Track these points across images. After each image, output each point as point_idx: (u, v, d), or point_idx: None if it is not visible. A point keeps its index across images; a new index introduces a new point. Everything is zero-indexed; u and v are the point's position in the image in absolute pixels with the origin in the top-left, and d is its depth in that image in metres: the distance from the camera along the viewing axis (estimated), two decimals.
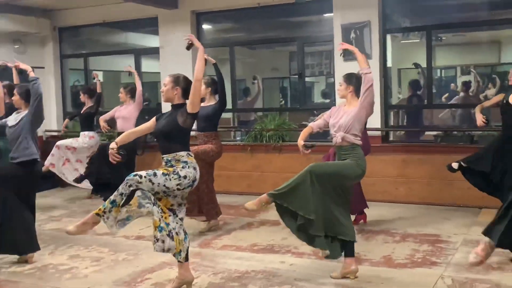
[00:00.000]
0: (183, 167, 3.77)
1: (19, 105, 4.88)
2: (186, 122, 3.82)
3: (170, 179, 3.70)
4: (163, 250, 3.69)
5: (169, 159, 3.82)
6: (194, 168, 3.84)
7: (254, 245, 5.08)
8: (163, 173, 3.71)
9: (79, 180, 7.19)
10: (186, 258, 3.85)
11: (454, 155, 6.29)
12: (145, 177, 3.64)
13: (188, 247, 3.86)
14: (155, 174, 3.68)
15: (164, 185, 3.69)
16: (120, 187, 3.65)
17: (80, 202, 7.55)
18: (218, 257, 4.76)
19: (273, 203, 3.99)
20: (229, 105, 8.35)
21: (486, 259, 3.60)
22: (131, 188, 3.63)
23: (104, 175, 6.66)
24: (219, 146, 5.62)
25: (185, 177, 3.75)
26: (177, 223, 3.80)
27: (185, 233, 3.86)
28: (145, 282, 4.16)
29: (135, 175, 3.65)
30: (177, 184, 3.73)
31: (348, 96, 4.27)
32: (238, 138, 8.33)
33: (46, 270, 4.55)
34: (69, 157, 7.40)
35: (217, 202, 5.69)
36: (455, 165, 5.25)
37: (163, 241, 3.65)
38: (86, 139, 7.42)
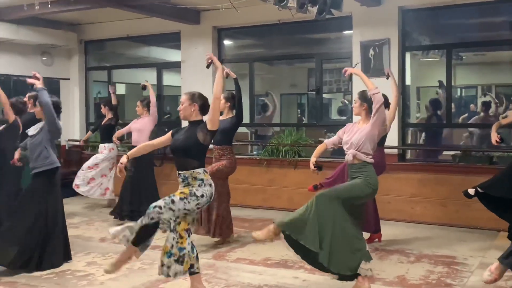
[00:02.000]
0: (199, 185, 3.79)
1: (40, 115, 4.91)
2: (206, 139, 3.87)
3: (189, 202, 3.75)
4: (168, 275, 3.74)
5: (186, 176, 3.81)
6: (210, 185, 3.87)
7: (268, 259, 5.07)
8: (180, 198, 3.74)
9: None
10: (198, 269, 3.87)
11: (472, 175, 6.22)
12: (164, 207, 3.70)
13: (198, 258, 3.88)
14: (173, 201, 3.72)
15: (184, 209, 3.74)
16: (143, 220, 3.73)
17: (99, 210, 7.65)
18: (232, 269, 4.75)
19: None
20: (246, 120, 8.43)
21: (500, 278, 3.52)
22: (153, 220, 3.72)
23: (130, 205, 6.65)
24: (233, 161, 5.62)
25: (202, 196, 3.79)
26: (189, 243, 3.81)
27: (193, 246, 3.86)
28: None
29: (154, 207, 3.72)
30: (196, 204, 3.78)
31: (363, 113, 4.30)
32: (254, 152, 8.35)
33: (64, 276, 4.61)
34: (93, 175, 7.47)
35: (231, 217, 5.71)
36: (471, 191, 5.11)
37: (168, 267, 3.73)
38: (106, 151, 7.52)
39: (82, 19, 8.80)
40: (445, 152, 7.59)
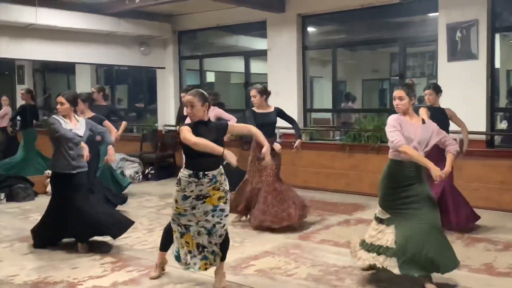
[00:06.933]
0: (225, 179, 3.74)
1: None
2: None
3: (229, 198, 3.77)
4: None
5: (215, 174, 3.66)
6: None
7: (352, 241, 5.05)
8: (224, 202, 3.70)
9: None
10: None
11: None
12: (223, 222, 3.73)
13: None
14: (222, 210, 3.69)
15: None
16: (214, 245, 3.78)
17: None
18: (317, 250, 4.82)
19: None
20: (329, 106, 8.38)
21: None
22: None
23: None
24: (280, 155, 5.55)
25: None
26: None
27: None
28: (249, 268, 4.33)
29: (224, 231, 3.76)
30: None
31: (410, 109, 3.88)
32: (337, 138, 8.29)
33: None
34: None
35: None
36: None
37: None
38: None
39: (176, 10, 9.10)
40: None
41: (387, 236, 3.76)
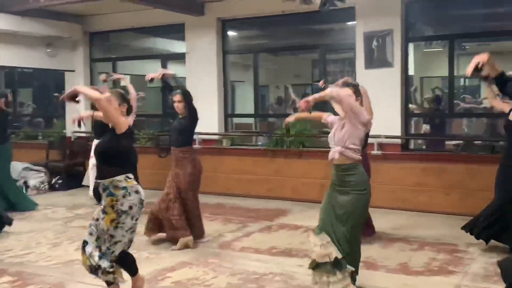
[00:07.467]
0: (123, 196, 3.42)
1: None
2: (118, 144, 3.49)
3: (124, 222, 3.43)
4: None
5: (106, 185, 3.44)
6: (137, 192, 3.50)
7: (273, 248, 5.11)
8: (115, 228, 3.41)
9: None
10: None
11: (475, 164, 6.25)
12: (110, 246, 3.45)
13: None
14: (112, 236, 3.42)
15: (127, 230, 3.47)
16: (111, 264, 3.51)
17: None
18: (237, 258, 4.80)
19: None
20: (251, 111, 8.45)
21: None
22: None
23: None
24: (197, 164, 5.15)
25: (131, 207, 3.44)
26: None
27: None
28: (166, 280, 4.22)
29: (114, 257, 3.49)
30: (132, 218, 3.47)
31: None
32: (259, 143, 8.37)
33: (72, 265, 4.65)
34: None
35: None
36: None
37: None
38: None
39: (87, 10, 8.76)
40: (447, 142, 7.59)
41: (331, 249, 3.68)
